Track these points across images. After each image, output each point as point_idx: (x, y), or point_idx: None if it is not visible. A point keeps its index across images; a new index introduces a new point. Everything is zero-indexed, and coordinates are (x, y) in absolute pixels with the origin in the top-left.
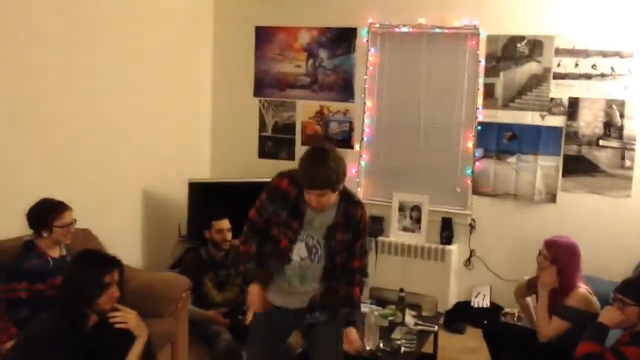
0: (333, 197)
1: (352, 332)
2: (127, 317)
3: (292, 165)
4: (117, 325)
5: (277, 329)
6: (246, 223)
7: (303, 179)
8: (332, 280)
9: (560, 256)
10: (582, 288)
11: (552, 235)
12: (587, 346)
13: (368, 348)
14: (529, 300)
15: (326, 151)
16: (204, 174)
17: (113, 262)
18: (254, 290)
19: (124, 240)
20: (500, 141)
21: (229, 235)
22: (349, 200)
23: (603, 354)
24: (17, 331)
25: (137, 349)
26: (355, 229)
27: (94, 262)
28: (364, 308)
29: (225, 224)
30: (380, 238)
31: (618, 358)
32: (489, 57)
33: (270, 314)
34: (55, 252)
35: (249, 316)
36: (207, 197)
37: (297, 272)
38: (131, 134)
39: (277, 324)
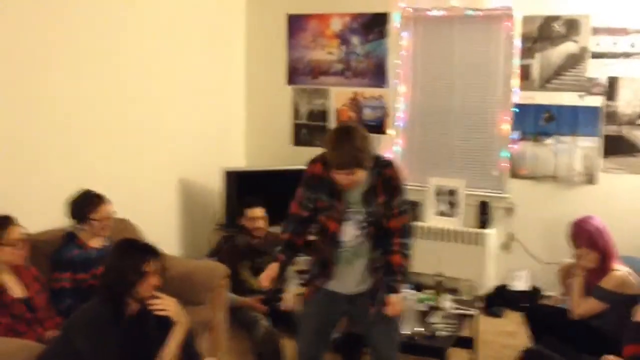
0: (362, 174)
1: (391, 298)
2: (166, 304)
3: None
4: (156, 313)
5: (328, 317)
6: (286, 217)
7: (330, 160)
8: (378, 250)
9: (591, 240)
10: (620, 271)
11: (573, 223)
12: (631, 349)
13: (406, 332)
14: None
15: (350, 130)
16: (239, 163)
17: (152, 251)
18: (269, 267)
19: (162, 229)
20: (537, 123)
21: (261, 223)
22: (380, 164)
23: None
24: (61, 320)
25: (177, 336)
26: (390, 188)
27: (133, 251)
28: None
29: (257, 212)
30: (417, 223)
31: None
32: (524, 38)
33: (319, 302)
34: (96, 243)
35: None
36: (243, 186)
37: (350, 251)
38: (166, 124)
39: (328, 312)
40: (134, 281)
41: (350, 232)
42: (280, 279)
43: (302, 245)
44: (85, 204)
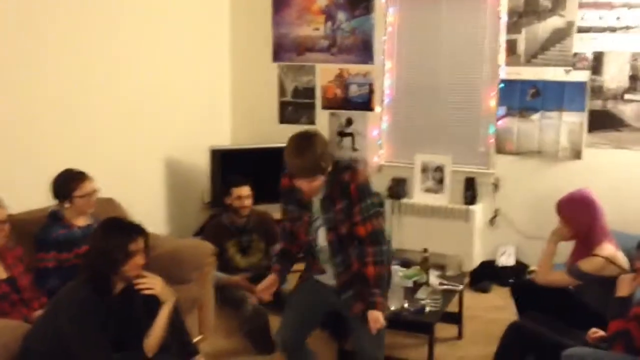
0: (322, 180)
1: (372, 314)
2: (152, 283)
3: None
4: (143, 292)
5: (315, 306)
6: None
7: (291, 168)
8: (345, 254)
9: (565, 211)
10: (600, 257)
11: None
12: (614, 325)
13: (393, 308)
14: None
15: (310, 137)
16: (225, 141)
17: (137, 230)
18: (267, 279)
19: (148, 208)
20: (523, 98)
21: (247, 202)
22: (338, 169)
23: (628, 329)
24: (47, 300)
25: (164, 313)
26: (348, 193)
27: (119, 229)
28: None
29: (244, 190)
30: (404, 200)
31: None
32: (510, 13)
33: (308, 290)
34: (80, 222)
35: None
36: (229, 164)
37: (325, 254)
38: (151, 103)
39: (316, 301)
40: (119, 260)
41: (322, 237)
42: (280, 286)
43: (297, 251)
44: (68, 182)
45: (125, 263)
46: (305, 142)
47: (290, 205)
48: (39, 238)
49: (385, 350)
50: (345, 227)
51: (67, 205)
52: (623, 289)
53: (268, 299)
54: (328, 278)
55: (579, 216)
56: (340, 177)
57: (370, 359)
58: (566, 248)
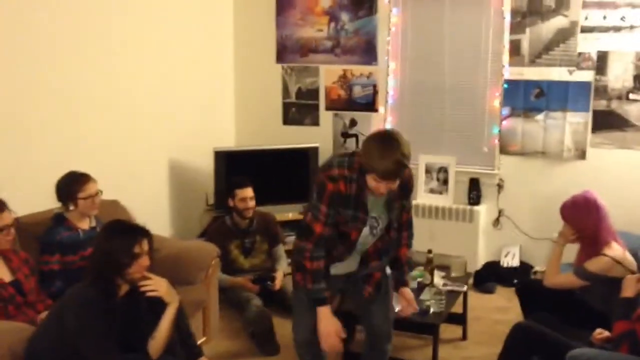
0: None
1: (406, 292)
2: (157, 285)
3: (316, 131)
4: (148, 294)
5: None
6: (310, 237)
7: (378, 171)
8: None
9: (568, 215)
10: (607, 257)
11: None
12: (619, 326)
13: (397, 309)
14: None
15: (395, 138)
16: (229, 142)
17: (141, 232)
18: (325, 317)
19: (152, 210)
20: (527, 99)
21: (251, 203)
22: None
23: (635, 330)
24: (52, 303)
25: (169, 316)
26: (406, 189)
27: (123, 232)
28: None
29: (247, 192)
30: None
31: None
32: (514, 13)
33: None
34: (84, 224)
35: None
36: (232, 166)
37: (359, 249)
38: (155, 104)
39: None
40: (124, 263)
41: (365, 235)
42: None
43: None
44: (71, 184)
45: (130, 265)
46: (390, 142)
47: (344, 209)
48: (43, 241)
49: (390, 352)
50: (394, 229)
51: (71, 207)
52: (628, 290)
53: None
54: (343, 267)
55: (583, 220)
56: (402, 174)
57: (383, 334)
58: (573, 248)
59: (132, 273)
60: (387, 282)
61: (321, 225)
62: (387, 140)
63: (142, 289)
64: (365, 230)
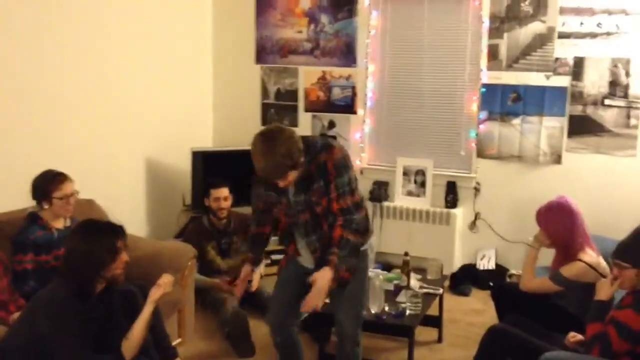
0: (295, 173)
1: (320, 274)
2: (166, 282)
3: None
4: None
5: (296, 283)
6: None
7: (259, 172)
8: (321, 232)
9: (543, 220)
10: (581, 262)
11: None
12: (592, 328)
13: (373, 311)
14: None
15: (272, 137)
16: (207, 143)
17: (118, 228)
18: (243, 271)
19: (129, 210)
20: (504, 103)
21: (225, 204)
22: (313, 151)
23: (606, 332)
24: (25, 303)
25: (145, 316)
26: (326, 172)
27: (101, 230)
28: (370, 273)
29: (222, 192)
30: (385, 203)
31: (618, 329)
32: (492, 18)
33: (291, 270)
34: (59, 224)
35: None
36: (210, 166)
37: (302, 233)
38: (133, 104)
39: (299, 281)
40: (107, 260)
41: (300, 225)
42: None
43: (270, 232)
44: (47, 183)
45: (113, 261)
46: (266, 144)
47: (269, 191)
48: (16, 240)
49: (365, 354)
50: (321, 206)
51: (45, 206)
52: (602, 293)
53: (241, 292)
54: (305, 260)
55: (557, 225)
56: (317, 159)
57: (347, 335)
58: (549, 252)
59: (114, 269)
60: (358, 284)
61: (254, 201)
62: (263, 142)
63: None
64: (296, 216)
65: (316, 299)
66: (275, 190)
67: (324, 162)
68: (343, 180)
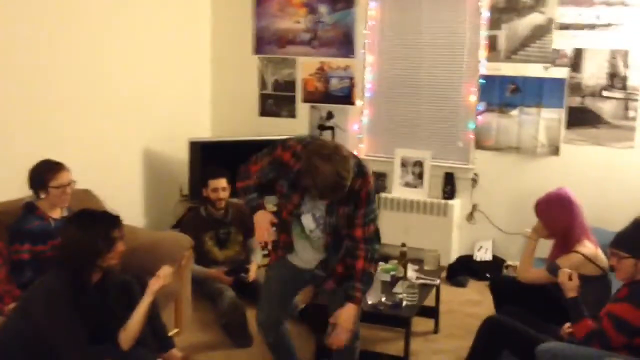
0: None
1: (345, 312)
2: (164, 276)
3: (292, 123)
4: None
5: (290, 284)
6: (246, 165)
7: (317, 191)
8: (338, 252)
9: (542, 212)
10: (579, 254)
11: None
12: (582, 327)
13: (370, 302)
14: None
15: (334, 156)
16: (205, 133)
17: (114, 218)
18: (260, 217)
19: (126, 200)
20: (503, 94)
21: (223, 194)
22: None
23: (603, 328)
24: (21, 293)
25: (144, 306)
26: (355, 199)
27: (97, 220)
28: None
29: (221, 182)
30: (383, 194)
31: (615, 323)
32: (491, 9)
33: (282, 267)
34: (56, 213)
35: (266, 240)
36: (208, 157)
37: (307, 243)
38: (131, 94)
39: (290, 279)
40: (103, 249)
41: (308, 225)
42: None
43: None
44: (44, 172)
45: (109, 251)
46: (329, 162)
47: (281, 179)
48: (13, 229)
49: (362, 344)
50: (346, 230)
51: (42, 195)
52: (570, 290)
53: (269, 239)
54: (300, 261)
55: (555, 216)
56: (352, 182)
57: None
58: (548, 243)
59: (110, 259)
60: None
61: (257, 168)
62: (325, 160)
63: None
64: (307, 219)
65: (343, 337)
66: (290, 186)
67: (359, 188)
68: (371, 209)
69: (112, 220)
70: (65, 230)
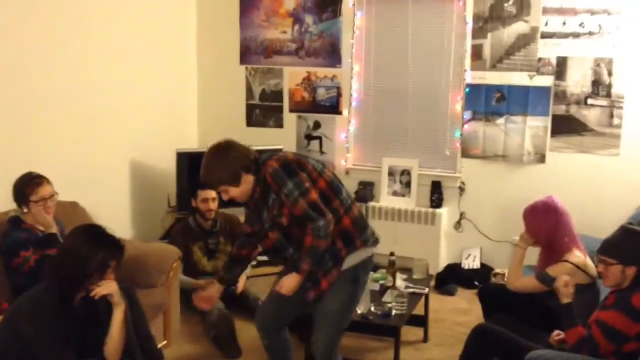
0: (238, 189)
1: (287, 279)
2: (110, 286)
3: (279, 133)
4: (101, 295)
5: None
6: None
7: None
8: (296, 244)
9: (527, 219)
10: (569, 263)
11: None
12: (573, 334)
13: (360, 312)
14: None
15: (220, 148)
16: (192, 144)
17: (119, 247)
18: (210, 287)
19: (113, 211)
20: (488, 103)
21: (213, 205)
22: (259, 166)
23: (592, 335)
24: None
25: (118, 318)
26: (267, 186)
27: (104, 243)
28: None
29: (210, 193)
30: (371, 203)
31: (604, 331)
32: (476, 18)
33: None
34: (43, 227)
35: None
36: (195, 167)
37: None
38: (117, 105)
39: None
40: (93, 274)
41: (278, 240)
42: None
43: (249, 254)
44: (24, 186)
45: (100, 278)
46: (210, 153)
47: (251, 213)
48: (8, 243)
49: (350, 354)
50: (284, 216)
51: (25, 210)
52: (564, 296)
53: (208, 308)
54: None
55: (540, 224)
56: (261, 176)
57: (317, 349)
58: (536, 251)
59: (93, 283)
60: (338, 305)
61: (244, 221)
62: (208, 152)
63: (98, 296)
64: (273, 234)
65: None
66: (254, 211)
67: (264, 176)
68: (288, 187)
69: (115, 250)
70: (68, 237)
